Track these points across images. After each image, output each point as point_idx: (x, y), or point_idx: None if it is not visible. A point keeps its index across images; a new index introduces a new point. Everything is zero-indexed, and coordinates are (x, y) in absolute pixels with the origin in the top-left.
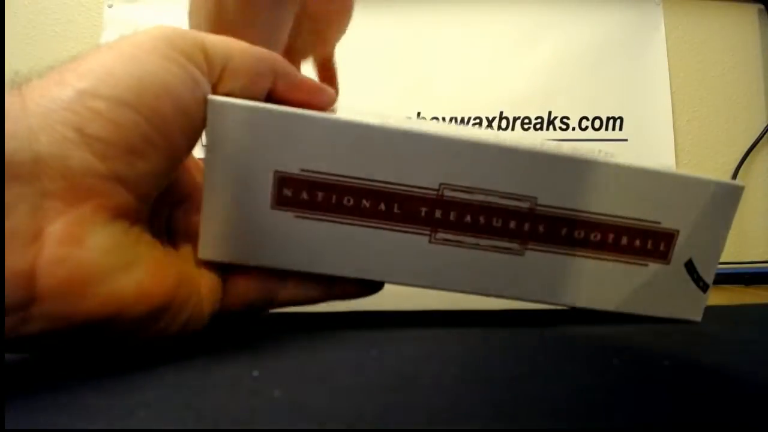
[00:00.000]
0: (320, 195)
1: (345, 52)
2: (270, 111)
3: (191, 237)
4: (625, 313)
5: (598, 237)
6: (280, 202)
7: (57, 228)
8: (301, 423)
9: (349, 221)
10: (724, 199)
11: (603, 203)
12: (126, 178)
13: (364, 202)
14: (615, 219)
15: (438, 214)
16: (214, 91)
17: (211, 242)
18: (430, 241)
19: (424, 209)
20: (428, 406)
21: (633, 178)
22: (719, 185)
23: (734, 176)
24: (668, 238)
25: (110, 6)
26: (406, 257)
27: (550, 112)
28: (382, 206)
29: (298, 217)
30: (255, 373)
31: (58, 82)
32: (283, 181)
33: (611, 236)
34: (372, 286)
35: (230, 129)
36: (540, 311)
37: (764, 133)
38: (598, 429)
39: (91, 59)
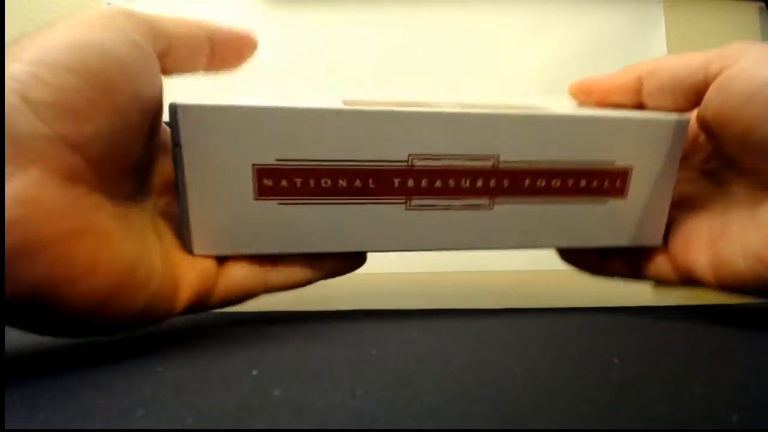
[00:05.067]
0: (299, 181)
1: (344, 50)
2: (240, 108)
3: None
4: (590, 247)
5: (559, 183)
6: (262, 192)
7: (9, 191)
8: (301, 422)
9: (329, 201)
10: (672, 133)
11: (559, 151)
12: (73, 141)
13: (341, 181)
14: (572, 164)
15: (410, 183)
16: (162, 64)
17: (202, 238)
18: (406, 209)
19: (397, 180)
20: (428, 406)
21: (583, 125)
22: (664, 122)
23: None
24: (623, 175)
25: (109, 3)
26: (386, 226)
27: None
28: (358, 183)
29: (281, 204)
30: (254, 372)
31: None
32: (262, 172)
33: (571, 181)
34: (355, 261)
35: (203, 131)
36: (539, 311)
37: None
38: (599, 429)
39: (34, 36)
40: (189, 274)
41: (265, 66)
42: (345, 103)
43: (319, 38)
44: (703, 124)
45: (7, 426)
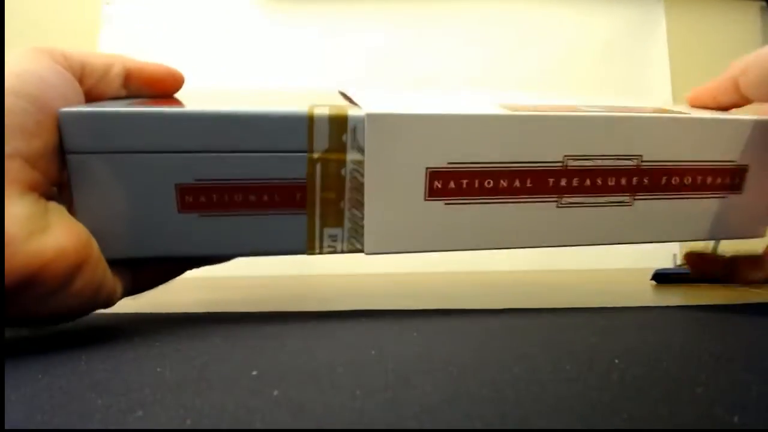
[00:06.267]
0: (465, 182)
1: (348, 51)
2: (419, 116)
3: None
4: (711, 239)
5: (690, 180)
6: (432, 193)
7: None
8: (301, 423)
9: (490, 201)
10: None
11: (692, 152)
12: (27, 155)
13: (502, 182)
14: (701, 163)
15: (563, 182)
16: (82, 87)
17: (375, 238)
18: (557, 206)
19: (551, 180)
20: (428, 406)
21: (711, 127)
22: None
23: None
24: (742, 173)
25: (108, 3)
26: (538, 223)
27: None
28: (517, 183)
29: (447, 204)
30: (254, 372)
31: None
32: (434, 175)
33: (699, 178)
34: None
35: (387, 137)
36: (539, 311)
37: None
38: (599, 429)
39: None
40: None
41: (265, 63)
42: (503, 107)
43: (319, 36)
44: None
45: (7, 427)
